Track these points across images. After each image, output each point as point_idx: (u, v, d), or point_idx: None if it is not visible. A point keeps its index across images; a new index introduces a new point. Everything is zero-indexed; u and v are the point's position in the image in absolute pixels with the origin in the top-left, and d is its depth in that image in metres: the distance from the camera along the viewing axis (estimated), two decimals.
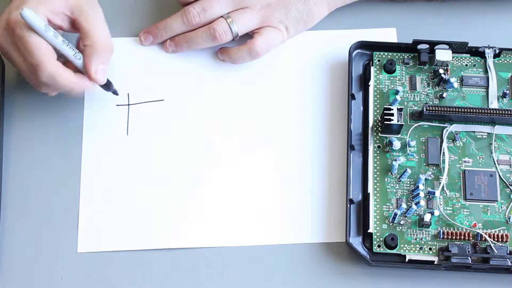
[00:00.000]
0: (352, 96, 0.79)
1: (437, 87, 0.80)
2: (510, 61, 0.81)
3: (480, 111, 0.76)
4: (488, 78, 0.80)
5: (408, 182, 0.76)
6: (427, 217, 0.73)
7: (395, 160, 0.76)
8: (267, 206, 0.77)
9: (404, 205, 0.74)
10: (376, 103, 0.79)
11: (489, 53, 0.80)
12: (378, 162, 0.77)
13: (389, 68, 0.80)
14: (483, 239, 0.73)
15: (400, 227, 0.74)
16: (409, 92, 0.80)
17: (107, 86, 0.78)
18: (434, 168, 0.76)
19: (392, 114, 0.76)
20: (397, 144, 0.77)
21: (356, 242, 0.74)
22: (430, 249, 0.74)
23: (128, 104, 0.81)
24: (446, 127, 0.78)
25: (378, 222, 0.74)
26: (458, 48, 0.80)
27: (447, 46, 0.80)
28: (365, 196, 0.76)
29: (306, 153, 0.79)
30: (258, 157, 0.79)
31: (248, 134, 0.80)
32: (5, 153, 0.78)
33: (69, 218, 0.76)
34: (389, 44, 0.81)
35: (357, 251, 0.73)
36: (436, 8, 0.86)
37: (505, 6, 0.86)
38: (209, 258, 0.75)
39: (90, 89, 0.76)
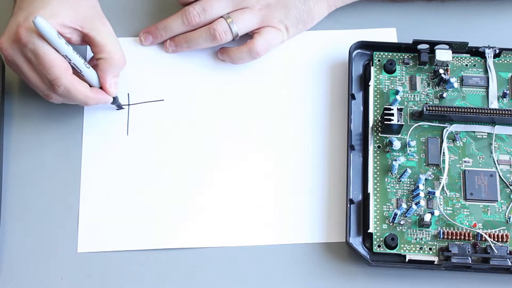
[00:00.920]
0: (352, 96, 0.79)
1: (437, 87, 0.80)
2: (510, 61, 0.81)
3: (480, 111, 0.76)
4: (488, 78, 0.80)
5: (408, 182, 0.76)
6: (427, 217, 0.73)
7: (395, 160, 0.76)
8: (267, 206, 0.77)
9: (404, 205, 0.74)
10: (376, 103, 0.79)
11: (489, 53, 0.80)
12: (378, 162, 0.77)
13: (389, 68, 0.80)
14: (483, 239, 0.73)
15: (400, 227, 0.74)
16: (409, 92, 0.80)
17: (114, 99, 0.78)
18: (434, 168, 0.76)
19: (392, 114, 0.76)
20: (397, 144, 0.77)
21: (356, 242, 0.74)
22: (430, 249, 0.74)
23: (128, 104, 0.81)
24: (446, 127, 0.78)
25: (378, 222, 0.74)
26: (458, 48, 0.80)
27: (447, 46, 0.80)
28: (365, 196, 0.76)
29: (306, 153, 0.79)
30: (258, 157, 0.79)
31: (248, 134, 0.80)
32: (5, 153, 0.78)
33: (69, 218, 0.76)
34: (389, 44, 0.81)
35: (357, 251, 0.73)
36: (436, 8, 0.86)
37: (505, 6, 0.86)
38: (209, 258, 0.75)
39: (104, 102, 0.77)
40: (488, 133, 0.78)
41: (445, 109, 0.77)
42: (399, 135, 0.78)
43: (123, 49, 0.77)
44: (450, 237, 0.73)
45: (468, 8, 0.85)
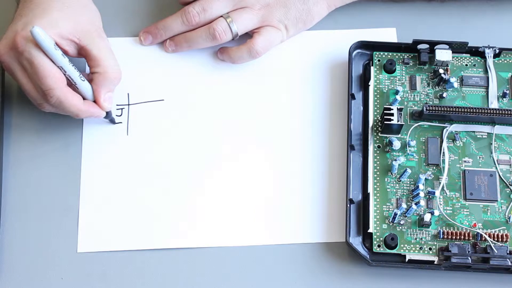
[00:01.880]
0: (352, 96, 0.79)
1: (437, 87, 0.80)
2: (510, 61, 0.81)
3: (480, 111, 0.76)
4: (488, 78, 0.80)
5: (408, 182, 0.76)
6: (427, 217, 0.73)
7: (395, 160, 0.76)
8: (267, 206, 0.77)
9: (404, 205, 0.74)
10: (376, 103, 0.79)
11: (489, 53, 0.80)
12: (378, 162, 0.77)
13: (389, 68, 0.80)
14: (483, 239, 0.73)
15: (400, 227, 0.74)
16: (409, 92, 0.80)
17: (107, 114, 0.78)
18: (434, 168, 0.76)
19: (392, 114, 0.76)
20: (397, 144, 0.77)
21: (356, 242, 0.74)
22: (430, 249, 0.74)
23: (128, 104, 0.81)
24: (446, 127, 0.78)
25: (378, 222, 0.74)
26: (458, 48, 0.80)
27: (447, 46, 0.80)
28: (365, 196, 0.76)
29: (306, 153, 0.79)
30: (258, 157, 0.79)
31: (248, 134, 0.80)
32: (5, 153, 0.78)
33: (69, 218, 0.76)
34: (389, 44, 0.81)
35: (357, 251, 0.73)
36: (436, 8, 0.86)
37: (505, 6, 0.86)
38: (209, 258, 0.75)
39: (97, 116, 0.77)
40: (488, 133, 0.78)
41: (445, 109, 0.77)
42: (399, 135, 0.78)
43: (123, 49, 0.77)
44: (450, 237, 0.73)
45: (468, 8, 0.85)
